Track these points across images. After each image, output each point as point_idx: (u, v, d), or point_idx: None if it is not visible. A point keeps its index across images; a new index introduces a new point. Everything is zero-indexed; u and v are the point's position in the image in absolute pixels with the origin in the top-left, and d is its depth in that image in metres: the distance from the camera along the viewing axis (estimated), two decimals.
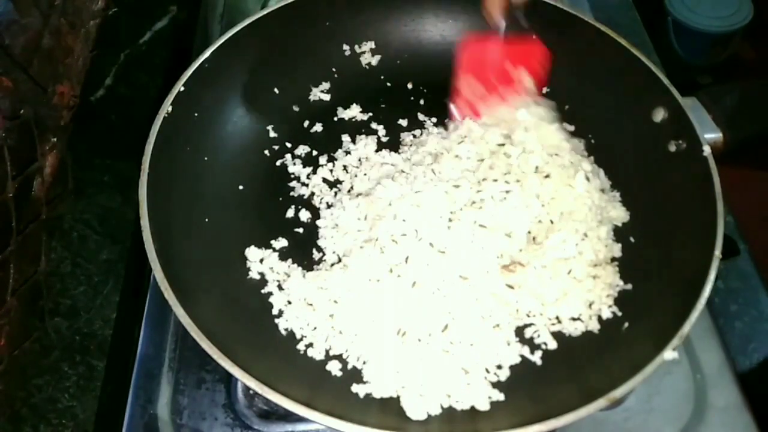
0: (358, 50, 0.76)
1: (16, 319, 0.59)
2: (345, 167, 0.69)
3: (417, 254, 0.59)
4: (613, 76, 0.68)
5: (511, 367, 0.55)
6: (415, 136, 0.71)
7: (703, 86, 0.64)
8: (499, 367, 0.54)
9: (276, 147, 0.71)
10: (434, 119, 0.73)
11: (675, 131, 0.62)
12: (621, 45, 0.66)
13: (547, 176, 0.61)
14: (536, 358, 0.55)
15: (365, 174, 0.67)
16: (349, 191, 0.67)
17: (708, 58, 1.54)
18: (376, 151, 0.69)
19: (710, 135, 0.61)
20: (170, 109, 0.61)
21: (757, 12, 1.46)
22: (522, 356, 0.55)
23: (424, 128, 0.72)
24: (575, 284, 0.58)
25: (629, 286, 0.59)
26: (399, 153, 0.69)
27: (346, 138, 0.71)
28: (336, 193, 0.67)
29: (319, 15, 0.74)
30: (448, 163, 0.64)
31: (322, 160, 0.70)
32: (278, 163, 0.70)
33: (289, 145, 0.71)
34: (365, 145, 0.70)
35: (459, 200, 0.61)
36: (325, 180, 0.68)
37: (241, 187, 0.67)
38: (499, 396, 0.52)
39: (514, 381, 0.54)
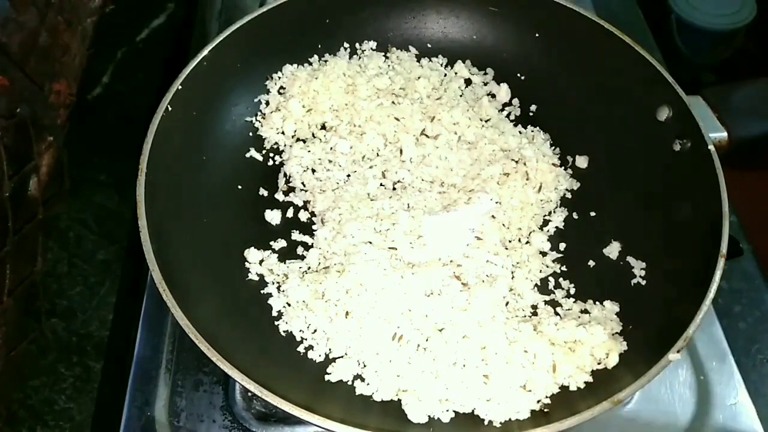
0: (358, 48, 0.76)
1: (12, 320, 0.58)
2: (341, 166, 0.68)
3: (416, 257, 0.59)
4: (616, 74, 0.67)
5: None
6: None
7: (706, 84, 0.64)
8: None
9: (275, 146, 0.70)
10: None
11: (679, 130, 0.61)
12: (625, 42, 0.66)
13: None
14: None
15: (364, 175, 0.67)
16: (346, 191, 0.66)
17: (711, 56, 1.53)
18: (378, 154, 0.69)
19: (715, 134, 0.61)
20: (168, 107, 0.60)
21: (760, 9, 1.46)
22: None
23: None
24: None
25: (633, 289, 0.59)
26: (402, 160, 0.68)
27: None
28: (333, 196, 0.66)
29: (319, 12, 0.73)
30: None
31: (321, 159, 0.69)
32: (277, 162, 0.69)
33: (288, 143, 0.70)
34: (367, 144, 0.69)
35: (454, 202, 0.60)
36: (320, 180, 0.67)
37: (239, 187, 0.66)
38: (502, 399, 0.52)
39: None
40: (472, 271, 0.58)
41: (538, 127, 0.71)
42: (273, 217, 0.65)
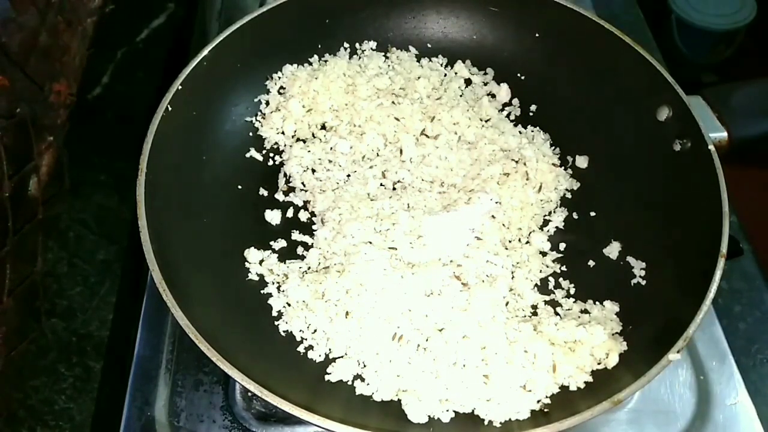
0: (358, 48, 0.76)
1: (12, 320, 0.58)
2: (341, 166, 0.68)
3: (416, 257, 0.59)
4: (616, 74, 0.67)
5: None
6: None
7: (706, 84, 0.64)
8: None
9: (275, 146, 0.70)
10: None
11: (680, 130, 0.61)
12: (625, 42, 0.66)
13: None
14: None
15: (364, 175, 0.67)
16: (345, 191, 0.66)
17: (711, 56, 1.53)
18: (378, 154, 0.69)
19: (715, 134, 0.61)
20: (168, 107, 0.60)
21: (760, 9, 1.46)
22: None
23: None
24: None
25: (633, 289, 0.59)
26: (402, 160, 0.68)
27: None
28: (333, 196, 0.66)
29: (319, 12, 0.73)
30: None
31: (321, 159, 0.69)
32: (277, 162, 0.69)
33: (288, 143, 0.70)
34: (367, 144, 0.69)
35: (454, 202, 0.60)
36: (320, 180, 0.67)
37: (239, 187, 0.66)
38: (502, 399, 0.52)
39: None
40: (472, 271, 0.58)
41: (538, 127, 0.71)
42: (273, 217, 0.65)
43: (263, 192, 0.67)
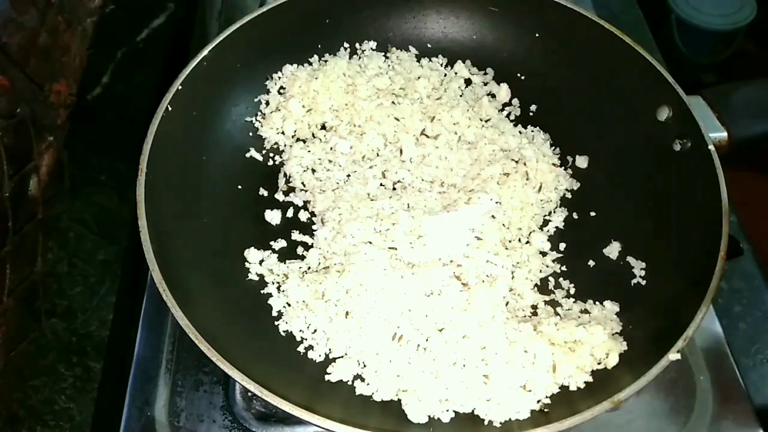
0: (358, 48, 0.76)
1: (12, 320, 0.58)
2: (341, 166, 0.68)
3: (416, 257, 0.59)
4: (616, 74, 0.67)
5: None
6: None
7: (706, 84, 0.64)
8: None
9: (275, 146, 0.70)
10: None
11: (679, 130, 0.61)
12: (625, 42, 0.66)
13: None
14: None
15: (364, 175, 0.67)
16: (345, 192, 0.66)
17: (711, 55, 1.53)
18: (378, 154, 0.69)
19: (715, 134, 0.61)
20: (168, 107, 0.60)
21: (760, 9, 1.46)
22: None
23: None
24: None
25: (633, 289, 0.59)
26: (402, 160, 0.68)
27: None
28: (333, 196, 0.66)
29: (319, 12, 0.73)
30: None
31: (321, 159, 0.69)
32: (277, 162, 0.69)
33: (288, 143, 0.70)
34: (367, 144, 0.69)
35: (454, 202, 0.60)
36: (320, 180, 0.67)
37: (239, 187, 0.66)
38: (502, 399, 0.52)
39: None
40: (472, 271, 0.58)
41: (538, 127, 0.71)
42: (273, 217, 0.65)
43: (263, 192, 0.67)
